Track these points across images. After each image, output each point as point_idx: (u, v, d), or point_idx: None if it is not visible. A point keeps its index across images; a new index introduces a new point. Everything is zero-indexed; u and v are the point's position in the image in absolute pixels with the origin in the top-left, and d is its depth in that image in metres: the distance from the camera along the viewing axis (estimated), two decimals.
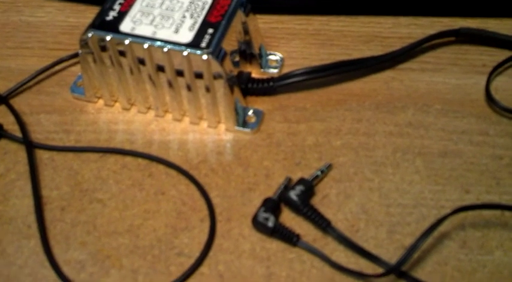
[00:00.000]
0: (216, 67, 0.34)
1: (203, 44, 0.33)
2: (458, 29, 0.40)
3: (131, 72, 0.36)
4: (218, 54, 0.33)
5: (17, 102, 0.39)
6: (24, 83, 0.40)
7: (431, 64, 0.40)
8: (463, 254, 0.31)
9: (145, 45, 0.34)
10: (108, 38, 0.34)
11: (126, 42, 0.34)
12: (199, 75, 0.35)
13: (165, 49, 0.34)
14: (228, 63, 0.34)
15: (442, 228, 0.32)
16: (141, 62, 0.35)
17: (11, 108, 0.39)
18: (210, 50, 0.33)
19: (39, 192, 0.35)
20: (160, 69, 0.35)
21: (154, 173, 0.36)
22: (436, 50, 0.41)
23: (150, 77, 0.36)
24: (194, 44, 0.33)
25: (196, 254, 0.32)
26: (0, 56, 0.42)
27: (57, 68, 0.41)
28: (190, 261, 0.32)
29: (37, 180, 0.35)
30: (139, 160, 0.36)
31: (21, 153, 0.37)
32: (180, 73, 0.35)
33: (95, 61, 0.36)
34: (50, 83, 0.40)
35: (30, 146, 0.37)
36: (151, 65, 0.35)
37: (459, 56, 0.40)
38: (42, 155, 0.37)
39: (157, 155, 0.36)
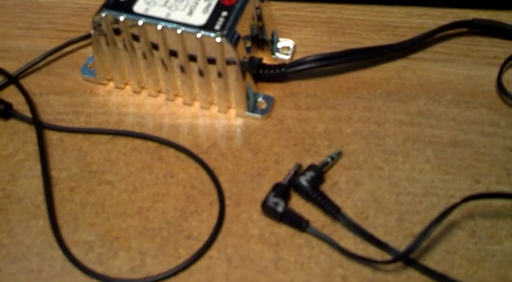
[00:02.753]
0: (229, 50, 0.33)
1: (217, 27, 0.33)
2: (471, 20, 0.40)
3: (143, 54, 0.36)
4: (232, 37, 0.33)
5: (27, 82, 0.39)
6: (34, 64, 0.40)
7: (444, 54, 0.40)
8: (472, 243, 0.31)
9: (159, 27, 0.33)
10: (121, 18, 0.34)
11: (140, 23, 0.34)
12: (212, 59, 0.34)
13: (179, 31, 0.33)
14: (241, 47, 0.34)
15: (452, 217, 0.32)
16: (154, 44, 0.35)
17: (20, 88, 0.38)
18: (224, 32, 0.33)
19: (48, 173, 0.35)
20: (172, 52, 0.35)
21: (164, 156, 0.35)
22: (448, 41, 0.41)
23: (162, 60, 0.36)
24: (208, 26, 0.33)
25: (205, 237, 0.32)
26: (10, 36, 0.42)
27: (67, 49, 0.41)
28: (199, 244, 0.32)
29: (46, 161, 0.35)
30: (149, 143, 0.36)
31: (30, 133, 0.37)
32: (192, 57, 0.35)
33: (107, 42, 0.36)
34: (60, 64, 0.40)
35: (40, 127, 0.36)
36: (164, 48, 0.35)
37: (471, 47, 0.40)
38: (51, 136, 0.37)
39: (167, 139, 0.36)
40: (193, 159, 0.35)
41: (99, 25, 0.35)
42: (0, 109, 0.37)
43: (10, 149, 0.36)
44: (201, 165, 0.35)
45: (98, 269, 0.31)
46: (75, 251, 0.32)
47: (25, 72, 0.40)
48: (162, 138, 0.36)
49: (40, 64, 0.40)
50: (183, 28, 0.33)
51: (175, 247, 0.32)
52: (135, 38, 0.35)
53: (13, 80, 0.39)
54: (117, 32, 0.35)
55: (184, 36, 0.34)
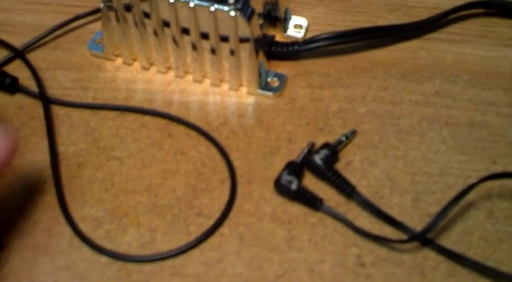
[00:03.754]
0: (243, 25, 0.33)
1: (231, 0, 0.32)
2: (487, 0, 0.39)
3: (154, 30, 0.35)
4: (246, 12, 0.32)
5: (33, 57, 0.38)
6: (40, 38, 0.39)
7: (459, 35, 0.39)
8: (489, 224, 0.31)
9: (171, 0, 0.33)
10: None
11: None
12: (224, 37, 0.34)
13: (191, 4, 0.32)
14: (255, 22, 0.33)
15: (469, 197, 0.31)
16: (165, 20, 0.34)
17: (27, 62, 0.38)
18: (239, 6, 0.32)
19: (56, 148, 0.34)
20: (184, 29, 0.34)
21: (174, 133, 0.35)
22: (464, 21, 0.40)
23: (173, 36, 0.35)
24: (222, 0, 0.32)
25: (216, 214, 0.31)
26: (16, 10, 0.41)
27: (74, 24, 0.40)
28: (210, 222, 0.31)
29: (53, 137, 0.34)
30: (159, 120, 0.35)
31: (36, 108, 0.36)
32: (204, 35, 0.34)
33: (116, 17, 0.35)
34: (67, 39, 0.39)
35: (47, 102, 0.36)
36: (176, 23, 0.34)
37: (487, 29, 0.40)
38: (58, 111, 0.36)
39: (177, 115, 0.35)
40: (203, 137, 0.34)
41: (109, 0, 0.34)
42: (6, 83, 0.36)
43: (16, 124, 0.35)
44: (211, 142, 0.34)
45: (107, 245, 0.30)
46: (83, 227, 0.31)
47: (31, 46, 0.39)
48: (173, 115, 0.35)
49: (47, 39, 0.39)
50: (196, 1, 0.32)
51: (186, 224, 0.31)
52: (146, 14, 0.34)
53: (19, 54, 0.38)
54: (127, 6, 0.34)
55: (197, 10, 0.33)
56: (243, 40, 0.33)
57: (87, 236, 0.31)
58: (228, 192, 0.32)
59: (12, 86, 0.36)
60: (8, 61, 0.38)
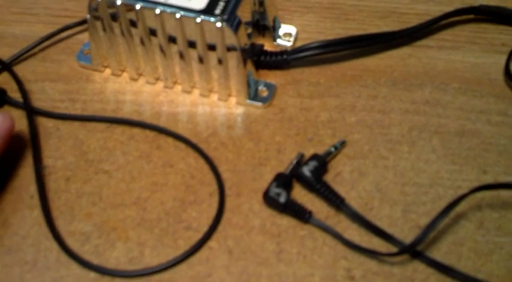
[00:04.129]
0: (229, 36, 0.32)
1: (217, 11, 0.32)
2: (478, 6, 0.39)
3: (141, 40, 0.35)
4: (233, 22, 0.32)
5: (22, 69, 0.38)
6: (29, 50, 0.38)
7: (450, 42, 0.39)
8: (480, 235, 0.30)
9: (157, 11, 0.32)
10: (118, 2, 0.33)
11: (138, 7, 0.33)
12: (212, 46, 0.33)
13: (178, 15, 0.32)
14: (242, 32, 0.33)
15: (459, 208, 0.31)
16: (152, 30, 0.34)
17: (13, 74, 0.37)
18: (225, 17, 0.32)
19: (41, 161, 0.34)
20: (171, 38, 0.34)
21: (163, 145, 0.34)
22: (454, 28, 0.40)
23: (160, 46, 0.34)
24: (208, 11, 0.32)
25: (205, 228, 0.31)
26: (5, 21, 0.41)
27: (62, 35, 0.39)
28: (199, 236, 0.31)
29: (38, 149, 0.34)
30: (147, 132, 0.35)
31: (24, 121, 0.35)
32: (192, 43, 0.34)
33: (103, 28, 0.35)
34: (55, 51, 0.39)
35: (31, 112, 0.35)
36: (163, 34, 0.34)
37: (478, 35, 0.39)
38: (46, 124, 0.35)
39: (165, 127, 0.35)
40: (192, 149, 0.34)
41: (96, 10, 0.34)
42: None
43: None
44: (200, 154, 0.34)
45: (95, 260, 0.30)
46: (72, 242, 0.31)
47: (19, 58, 0.38)
48: (161, 126, 0.35)
49: (35, 50, 0.39)
50: (182, 12, 0.32)
51: (175, 238, 0.31)
52: (133, 23, 0.34)
53: (6, 66, 0.38)
54: (114, 16, 0.34)
55: (183, 21, 0.33)
56: (230, 50, 0.33)
57: (74, 252, 0.30)
58: (216, 206, 0.32)
59: (0, 98, 0.36)
60: None
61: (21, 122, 0.35)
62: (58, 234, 0.31)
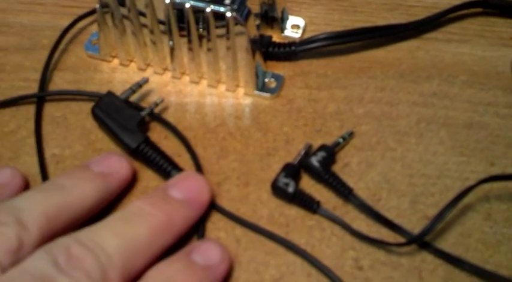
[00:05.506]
0: (239, 26, 0.32)
1: (227, 1, 0.32)
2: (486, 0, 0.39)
3: (150, 31, 0.35)
4: (242, 12, 0.32)
5: (29, 58, 0.38)
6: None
7: (458, 35, 0.39)
8: (488, 227, 0.31)
9: (167, 0, 0.32)
10: None
11: None
12: (221, 36, 0.33)
13: (187, 5, 0.32)
14: (251, 23, 0.33)
15: (467, 199, 0.31)
16: (161, 20, 0.34)
17: None
18: (235, 7, 0.32)
19: (42, 148, 0.34)
20: (181, 28, 0.34)
21: (170, 136, 0.34)
22: (462, 21, 0.40)
23: (169, 36, 0.34)
24: (218, 0, 0.32)
25: (213, 217, 0.31)
26: (13, 11, 0.41)
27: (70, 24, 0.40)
28: (207, 225, 0.31)
29: (40, 135, 0.34)
30: (155, 122, 0.35)
31: (32, 110, 0.36)
32: (201, 34, 0.34)
33: (112, 18, 0.35)
34: (63, 41, 0.39)
35: (42, 97, 0.36)
36: (172, 24, 0.34)
37: (486, 28, 0.39)
38: (54, 113, 0.35)
39: (163, 117, 0.35)
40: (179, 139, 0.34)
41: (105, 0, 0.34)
42: None
43: (12, 126, 0.35)
44: (183, 143, 0.34)
45: None
46: None
47: (27, 48, 0.38)
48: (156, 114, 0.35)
49: (43, 41, 0.39)
50: (192, 2, 0.32)
51: None
52: (142, 13, 0.34)
53: None
54: (123, 6, 0.34)
55: (193, 11, 0.33)
56: (239, 41, 0.33)
57: None
58: (226, 195, 0.32)
59: None
60: None
61: (29, 111, 0.35)
62: None
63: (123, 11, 0.34)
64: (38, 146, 0.34)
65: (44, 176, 0.33)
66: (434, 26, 0.39)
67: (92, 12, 0.39)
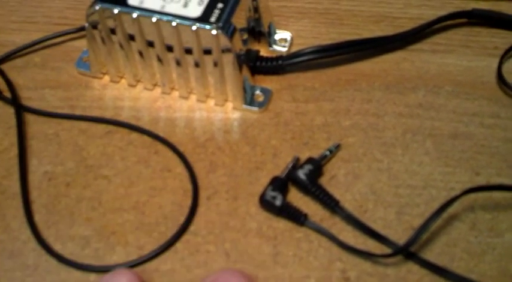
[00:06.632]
0: (225, 43, 0.33)
1: (212, 19, 0.33)
2: (470, 10, 0.40)
3: (138, 48, 0.35)
4: (228, 30, 0.33)
5: (22, 76, 0.39)
6: (18, 51, 0.39)
7: (443, 45, 0.39)
8: (473, 236, 0.31)
9: (154, 19, 0.33)
10: (115, 11, 0.33)
11: (134, 15, 0.33)
12: (208, 52, 0.34)
13: (174, 23, 0.33)
14: (237, 39, 0.34)
15: (452, 209, 0.31)
16: (149, 40, 0.34)
17: (1, 73, 0.38)
18: (220, 24, 0.32)
19: (26, 161, 0.34)
20: (168, 45, 0.34)
21: (160, 151, 0.35)
22: (447, 32, 0.40)
23: (157, 54, 0.35)
24: (203, 18, 0.33)
25: (203, 232, 0.32)
26: (5, 30, 0.41)
27: (62, 42, 0.40)
28: (197, 239, 0.31)
29: (24, 148, 0.35)
30: (145, 137, 0.36)
31: (24, 127, 0.36)
32: (188, 50, 0.34)
33: (101, 36, 0.35)
34: (54, 58, 0.40)
35: (20, 108, 0.36)
36: (159, 41, 0.34)
37: (471, 38, 0.40)
38: (47, 130, 0.36)
39: (148, 129, 0.36)
40: (176, 155, 0.34)
41: (93, 18, 0.34)
42: None
43: (5, 144, 0.36)
44: (182, 160, 0.34)
45: (95, 264, 0.31)
46: (72, 246, 0.31)
47: (19, 66, 0.39)
48: (142, 128, 0.36)
49: (36, 58, 0.40)
50: (178, 20, 0.33)
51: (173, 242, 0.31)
52: (130, 29, 0.35)
53: None
54: (111, 23, 0.35)
55: (179, 29, 0.33)
56: (226, 56, 0.34)
57: (74, 256, 0.31)
58: (215, 209, 0.33)
59: None
60: None
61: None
62: (43, 241, 0.31)
63: (111, 29, 0.35)
64: (20, 157, 0.34)
65: (24, 190, 0.33)
66: (419, 37, 0.40)
67: (79, 29, 0.39)
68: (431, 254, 0.30)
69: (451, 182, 0.33)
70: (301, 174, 0.32)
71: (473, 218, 0.32)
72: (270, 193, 0.32)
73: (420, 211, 0.32)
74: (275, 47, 0.39)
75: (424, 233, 0.30)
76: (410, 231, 0.31)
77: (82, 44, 0.40)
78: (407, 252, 0.30)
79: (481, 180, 0.33)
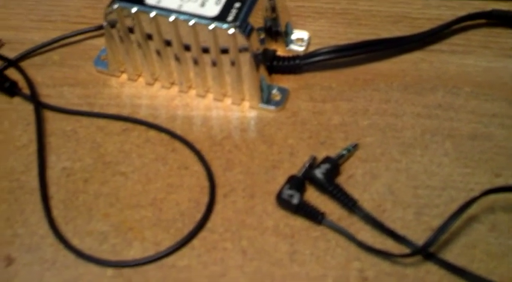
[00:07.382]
0: (242, 42, 0.33)
1: (230, 18, 0.33)
2: (490, 11, 0.39)
3: (156, 47, 0.35)
4: (245, 29, 0.33)
5: (41, 74, 0.39)
6: (35, 49, 0.40)
7: (462, 46, 0.39)
8: (493, 238, 0.31)
9: (171, 18, 0.33)
10: (133, 10, 0.34)
11: (152, 14, 0.33)
12: (225, 51, 0.34)
13: (191, 23, 0.33)
14: (254, 38, 0.34)
15: (471, 211, 0.31)
16: (167, 39, 0.34)
17: (21, 70, 0.38)
18: (237, 23, 0.33)
19: (44, 158, 0.35)
20: (186, 44, 0.34)
21: (178, 148, 0.35)
22: (466, 32, 0.40)
23: (175, 53, 0.35)
24: (220, 17, 0.33)
25: (220, 229, 0.32)
26: (24, 28, 0.42)
27: (80, 41, 0.41)
28: (214, 236, 0.31)
29: (43, 144, 0.35)
30: (163, 135, 0.36)
31: (43, 124, 0.36)
32: (205, 49, 0.34)
33: (119, 34, 0.36)
34: (73, 56, 0.40)
35: (39, 105, 0.37)
36: (177, 40, 0.34)
37: (490, 39, 0.39)
38: (65, 127, 0.36)
39: (166, 128, 0.36)
40: (193, 153, 0.34)
41: (111, 17, 0.35)
42: (6, 86, 0.37)
43: (24, 140, 0.36)
44: (199, 158, 0.34)
45: (113, 259, 0.31)
46: (90, 241, 0.32)
47: (39, 64, 0.40)
48: (161, 126, 0.36)
49: (54, 57, 0.40)
50: (195, 20, 0.33)
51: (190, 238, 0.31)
52: (148, 28, 0.35)
53: (12, 63, 0.39)
54: (129, 22, 0.35)
55: (196, 28, 0.33)
56: (243, 56, 0.34)
57: (92, 251, 0.31)
58: (231, 207, 0.32)
59: (11, 89, 0.37)
60: (4, 70, 0.39)
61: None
62: (60, 234, 0.32)
63: (129, 28, 0.35)
64: (40, 153, 0.35)
65: (42, 181, 0.33)
66: (438, 38, 0.39)
67: (98, 28, 0.40)
68: (451, 255, 0.30)
69: (470, 183, 0.33)
70: (319, 173, 0.32)
71: (492, 219, 0.31)
72: (287, 191, 0.32)
73: (439, 212, 0.32)
74: (292, 46, 0.39)
75: (443, 234, 0.30)
76: (429, 232, 0.31)
77: (100, 42, 0.40)
78: (427, 252, 0.30)
79: (500, 182, 0.33)
